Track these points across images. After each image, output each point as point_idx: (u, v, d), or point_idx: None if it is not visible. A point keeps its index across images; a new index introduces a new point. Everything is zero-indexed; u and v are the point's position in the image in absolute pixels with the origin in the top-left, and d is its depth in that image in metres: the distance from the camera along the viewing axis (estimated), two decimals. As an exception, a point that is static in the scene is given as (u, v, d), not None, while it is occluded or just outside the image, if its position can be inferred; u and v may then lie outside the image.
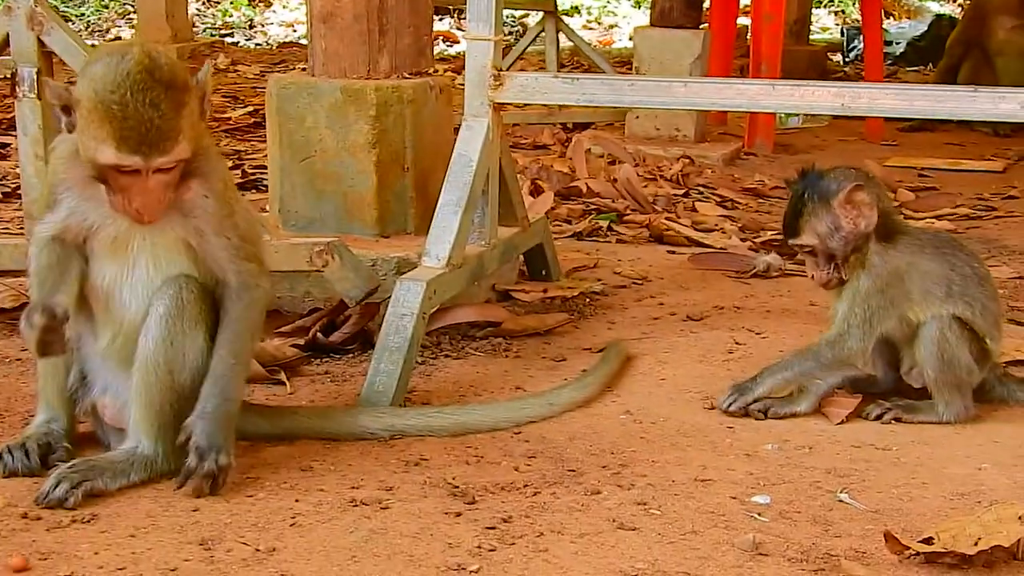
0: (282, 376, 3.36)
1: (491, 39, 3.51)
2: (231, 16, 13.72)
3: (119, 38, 12.24)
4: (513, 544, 2.43)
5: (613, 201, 5.44)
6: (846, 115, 3.62)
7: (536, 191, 5.34)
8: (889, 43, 10.82)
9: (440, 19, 12.74)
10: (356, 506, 2.58)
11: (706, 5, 7.48)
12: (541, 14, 8.12)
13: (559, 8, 8.19)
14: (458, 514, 2.55)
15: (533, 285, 4.18)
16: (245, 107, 7.76)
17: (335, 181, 3.89)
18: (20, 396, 3.14)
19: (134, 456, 2.65)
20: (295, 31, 12.94)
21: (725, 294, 4.27)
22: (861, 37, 9.31)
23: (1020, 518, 2.40)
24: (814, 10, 12.09)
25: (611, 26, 14.08)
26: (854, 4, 14.22)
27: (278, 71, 9.06)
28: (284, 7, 13.88)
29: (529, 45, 8.22)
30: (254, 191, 5.44)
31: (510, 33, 12.31)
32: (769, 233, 5.02)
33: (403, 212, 3.93)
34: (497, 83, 3.52)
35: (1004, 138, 7.73)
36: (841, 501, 2.67)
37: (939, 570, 2.37)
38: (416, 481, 2.72)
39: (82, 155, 2.53)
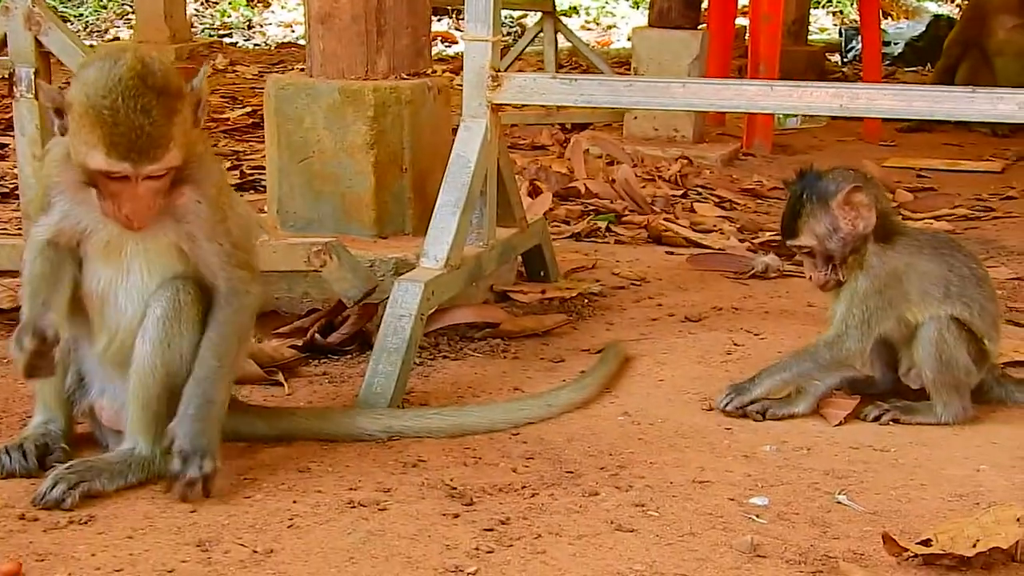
0: (280, 377, 3.36)
1: (489, 40, 3.51)
2: (229, 16, 13.71)
3: (117, 38, 12.24)
4: (511, 546, 2.43)
5: (611, 202, 5.44)
6: (844, 116, 3.63)
7: (534, 192, 5.33)
8: (887, 43, 10.82)
9: (438, 20, 12.74)
10: (354, 507, 2.58)
11: (704, 5, 7.47)
12: (539, 15, 8.12)
13: (557, 9, 8.19)
14: (456, 515, 2.55)
15: (531, 286, 4.17)
16: (243, 108, 7.75)
17: (333, 182, 3.89)
18: (18, 397, 3.14)
19: (131, 457, 2.64)
20: (293, 31, 12.94)
21: (723, 295, 4.27)
22: (859, 37, 9.32)
23: (1018, 520, 2.40)
24: (812, 10, 12.08)
25: (609, 27, 14.07)
26: (852, 4, 14.22)
27: (276, 72, 9.05)
28: (282, 7, 13.87)
29: (527, 46, 8.21)
30: (252, 192, 5.43)
31: (508, 34, 12.30)
32: (767, 234, 5.02)
33: (401, 213, 3.93)
34: (495, 84, 3.52)
35: (1002, 138, 7.73)
36: (839, 502, 2.67)
37: (937, 572, 2.37)
38: (414, 482, 2.71)
39: (73, 159, 2.52)
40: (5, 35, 3.69)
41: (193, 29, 12.05)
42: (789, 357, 3.23)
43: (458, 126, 3.57)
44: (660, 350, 3.65)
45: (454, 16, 12.95)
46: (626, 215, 5.30)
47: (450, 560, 2.36)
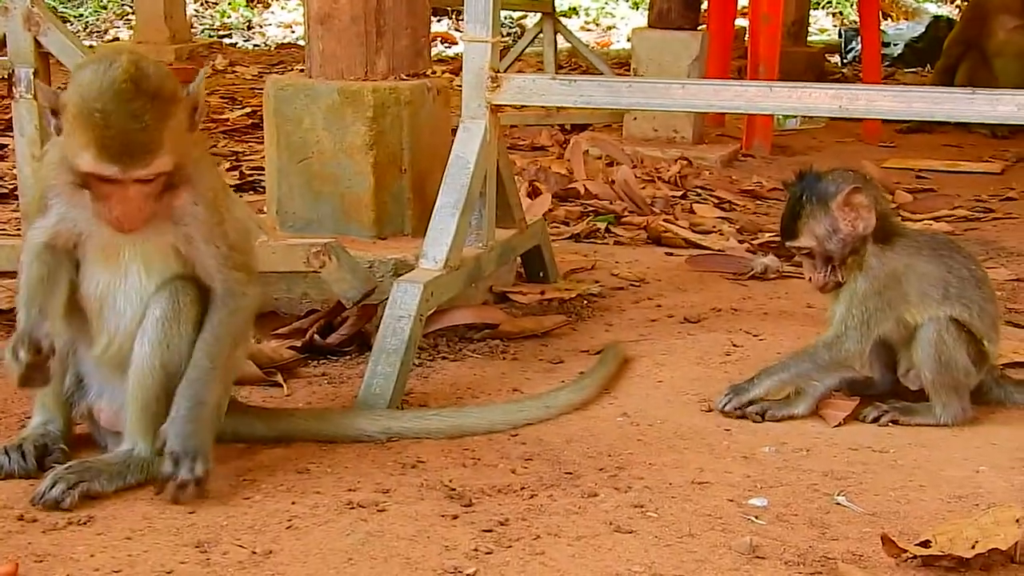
0: (279, 378, 3.36)
1: (489, 41, 3.51)
2: (229, 17, 13.71)
3: (117, 39, 12.24)
4: (510, 547, 2.43)
5: (611, 203, 5.43)
6: (844, 117, 3.62)
7: (534, 193, 5.33)
8: (887, 44, 10.83)
9: (438, 20, 12.74)
10: (353, 508, 2.58)
11: (704, 6, 7.47)
12: (539, 15, 8.12)
13: (557, 9, 8.19)
14: (455, 517, 2.55)
15: (530, 287, 4.17)
16: (243, 108, 7.76)
17: (332, 182, 3.89)
18: (16, 398, 3.13)
19: (130, 458, 2.64)
20: (293, 32, 12.94)
21: (723, 296, 4.27)
22: (859, 38, 9.32)
23: (1017, 521, 2.40)
24: (812, 11, 12.09)
25: (609, 27, 14.08)
26: (852, 6, 14.22)
27: (276, 72, 9.06)
28: (282, 8, 13.87)
29: (527, 46, 8.22)
30: (252, 192, 5.43)
31: (508, 34, 12.31)
32: (767, 235, 5.02)
33: (400, 214, 3.93)
34: (495, 85, 3.52)
35: (1002, 140, 7.73)
36: (838, 504, 2.67)
37: (936, 573, 2.37)
38: (413, 484, 2.71)
39: (67, 160, 2.52)
40: (4, 35, 3.69)
41: (193, 30, 12.05)
42: (788, 358, 3.22)
43: (457, 127, 3.57)
44: (659, 351, 3.65)
45: (454, 17, 12.95)
46: (625, 216, 5.30)
47: (449, 561, 2.36)
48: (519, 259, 4.21)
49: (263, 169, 4.58)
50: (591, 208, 5.39)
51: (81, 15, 13.23)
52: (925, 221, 5.48)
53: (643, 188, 5.69)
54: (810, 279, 3.23)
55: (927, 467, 2.89)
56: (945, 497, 2.72)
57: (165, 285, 2.64)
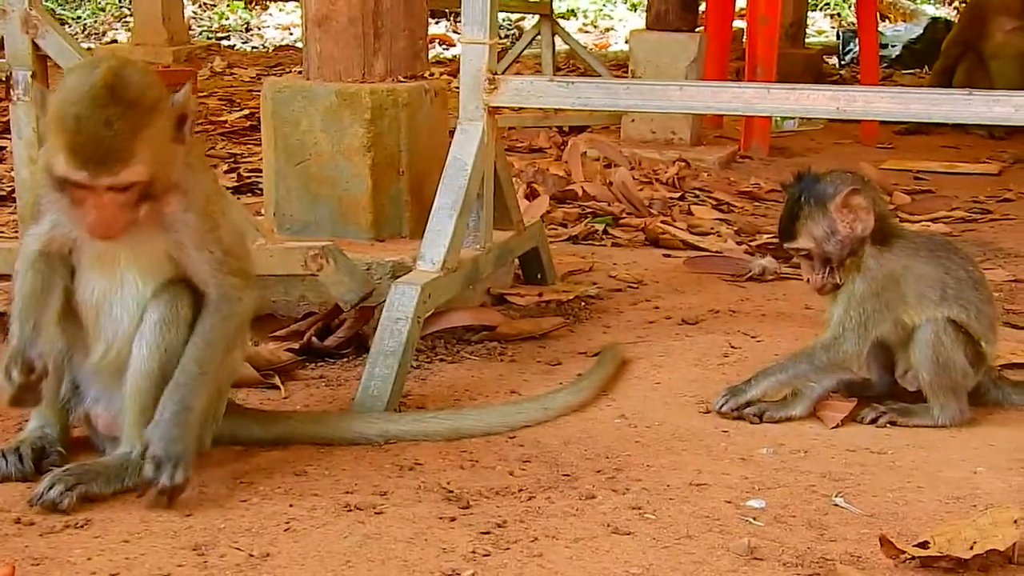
0: (276, 380, 3.35)
1: (486, 43, 3.51)
2: (227, 19, 13.72)
3: (115, 41, 12.24)
4: (508, 549, 2.43)
5: (609, 204, 5.44)
6: (842, 118, 3.63)
7: (532, 195, 5.34)
8: (885, 46, 10.84)
9: (436, 22, 12.75)
10: (350, 511, 2.58)
11: (702, 8, 7.48)
12: (537, 17, 8.13)
13: (555, 11, 8.19)
14: (452, 519, 2.55)
15: (528, 289, 4.17)
16: (241, 110, 7.76)
17: (330, 185, 3.89)
18: (14, 400, 3.13)
19: (128, 461, 2.63)
20: (291, 34, 12.94)
21: (720, 298, 4.27)
22: (857, 40, 9.33)
23: (1015, 522, 2.40)
24: (810, 13, 12.10)
25: (607, 29, 14.09)
26: (850, 7, 14.23)
27: (274, 74, 9.07)
28: (280, 10, 13.88)
29: (525, 48, 8.23)
30: (250, 194, 5.43)
31: (506, 36, 12.32)
32: (765, 236, 5.02)
33: (398, 216, 3.93)
34: (492, 87, 3.52)
35: (999, 141, 7.74)
36: (836, 505, 2.67)
37: (934, 574, 2.37)
38: (410, 486, 2.71)
39: (47, 163, 2.51)
40: (2, 38, 3.69)
41: (191, 32, 12.06)
42: (786, 359, 3.22)
43: (455, 129, 3.57)
44: (657, 353, 3.65)
45: (451, 19, 12.97)
46: (623, 218, 5.30)
47: (447, 563, 2.36)
48: (517, 261, 4.21)
49: (261, 171, 4.58)
50: (589, 210, 5.39)
51: (79, 17, 13.23)
52: (923, 222, 5.48)
53: (641, 190, 5.69)
54: (808, 281, 3.23)
55: (925, 468, 2.89)
56: (943, 498, 2.72)
57: (163, 289, 2.63)
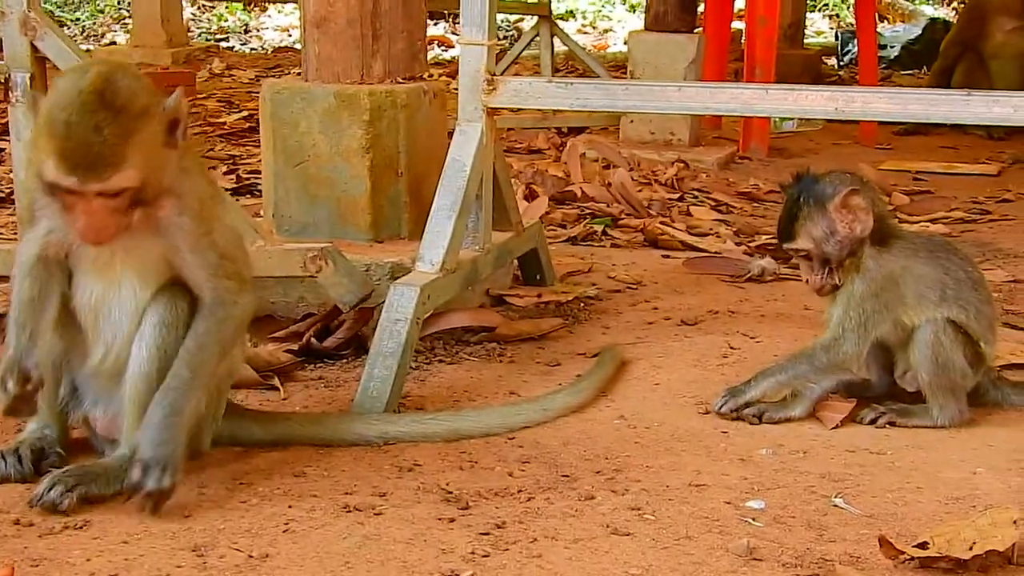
0: (276, 382, 3.35)
1: (485, 44, 3.51)
2: (226, 21, 13.71)
3: (114, 43, 12.24)
4: (507, 550, 2.43)
5: (608, 205, 5.44)
6: (840, 119, 3.63)
7: (531, 196, 5.34)
8: (883, 47, 10.83)
9: (434, 24, 12.74)
10: (349, 512, 2.58)
11: (700, 9, 7.48)
12: (536, 18, 8.13)
13: (554, 12, 8.19)
14: (452, 520, 2.55)
15: (527, 290, 4.17)
16: (240, 112, 7.75)
17: (329, 186, 3.89)
18: (13, 402, 3.13)
19: (127, 463, 2.63)
20: (290, 36, 12.94)
21: (720, 298, 4.27)
22: (855, 41, 9.32)
23: (1014, 522, 2.40)
24: (808, 14, 12.09)
25: (606, 30, 14.08)
26: (848, 8, 14.23)
27: (273, 76, 9.07)
28: (279, 12, 13.86)
29: (524, 49, 8.22)
30: (248, 196, 5.43)
31: (504, 37, 12.32)
32: (764, 237, 5.02)
33: (397, 217, 3.93)
34: (491, 88, 3.52)
35: (998, 141, 7.73)
36: (835, 505, 2.67)
37: (933, 574, 2.37)
38: (410, 487, 2.71)
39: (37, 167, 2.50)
40: (1, 40, 3.69)
41: (190, 33, 12.05)
42: (785, 360, 3.22)
43: (454, 130, 3.57)
44: (656, 354, 3.64)
45: (450, 20, 12.96)
46: (622, 219, 5.30)
47: (446, 564, 2.36)
48: (516, 262, 4.21)
49: (260, 173, 4.58)
50: (588, 211, 5.39)
51: (78, 19, 13.23)
52: (922, 223, 5.48)
53: (640, 191, 5.69)
54: (807, 281, 3.23)
55: (924, 469, 2.89)
56: (942, 499, 2.72)
57: (161, 292, 2.63)
